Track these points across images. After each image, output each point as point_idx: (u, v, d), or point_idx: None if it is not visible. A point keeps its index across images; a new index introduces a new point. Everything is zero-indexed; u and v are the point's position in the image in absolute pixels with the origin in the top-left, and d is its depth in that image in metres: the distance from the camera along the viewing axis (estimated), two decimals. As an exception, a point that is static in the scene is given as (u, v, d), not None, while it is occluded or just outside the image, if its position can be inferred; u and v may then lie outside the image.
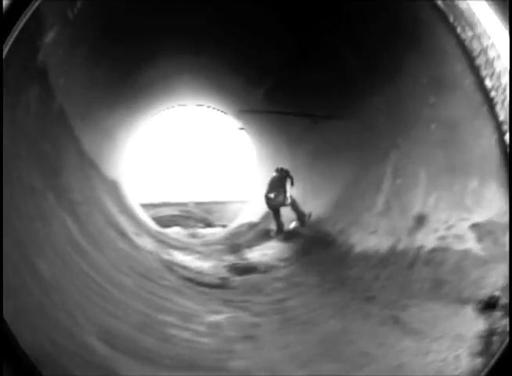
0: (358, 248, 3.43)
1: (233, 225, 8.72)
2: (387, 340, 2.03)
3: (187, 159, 15.81)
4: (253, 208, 8.37)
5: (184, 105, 8.73)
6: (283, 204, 6.11)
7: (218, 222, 10.10)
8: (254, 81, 6.14)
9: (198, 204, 11.36)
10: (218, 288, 3.09)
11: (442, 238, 2.70)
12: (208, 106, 8.87)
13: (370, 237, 3.41)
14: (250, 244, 5.60)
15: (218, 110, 8.90)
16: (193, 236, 8.29)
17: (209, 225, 10.04)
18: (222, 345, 2.04)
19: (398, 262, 2.86)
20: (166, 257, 3.98)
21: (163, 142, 15.50)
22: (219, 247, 6.16)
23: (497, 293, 2.00)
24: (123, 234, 3.79)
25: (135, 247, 3.68)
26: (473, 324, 1.91)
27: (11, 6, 1.65)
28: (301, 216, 6.14)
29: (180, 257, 4.39)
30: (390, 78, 3.67)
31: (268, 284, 3.26)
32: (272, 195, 6.15)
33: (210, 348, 1.99)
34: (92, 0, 3.35)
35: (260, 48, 5.25)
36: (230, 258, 4.78)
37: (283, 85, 5.79)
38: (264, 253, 4.73)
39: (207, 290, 2.92)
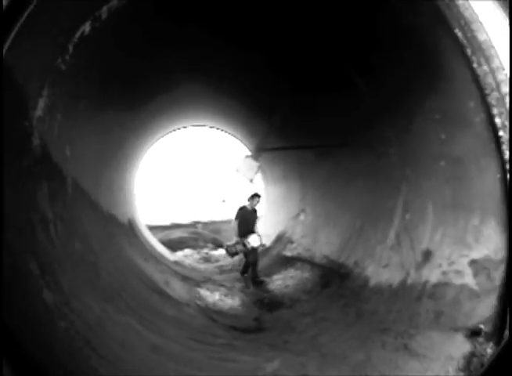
0: (372, 281, 4.29)
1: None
2: (400, 363, 2.92)
3: (191, 179, 16.50)
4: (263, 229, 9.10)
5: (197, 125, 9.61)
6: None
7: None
8: (266, 111, 6.54)
9: (206, 224, 12.16)
10: (259, 332, 4.00)
11: (444, 273, 3.35)
12: (220, 129, 9.71)
13: (383, 271, 4.22)
14: (269, 272, 6.46)
15: (230, 133, 9.70)
16: (207, 260, 9.21)
17: (219, 245, 10.91)
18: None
19: (406, 295, 3.63)
20: (200, 303, 4.86)
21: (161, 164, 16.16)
22: (237, 275, 6.94)
23: (482, 325, 2.87)
24: (161, 293, 4.55)
25: (177, 305, 4.41)
26: (461, 347, 2.73)
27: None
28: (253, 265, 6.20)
29: (209, 298, 5.27)
30: (399, 107, 4.09)
31: (299, 321, 4.16)
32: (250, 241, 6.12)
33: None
34: (89, 38, 3.00)
35: (269, 79, 5.69)
36: (254, 291, 5.67)
37: (295, 113, 6.16)
38: (286, 284, 5.63)
39: (252, 337, 3.81)
